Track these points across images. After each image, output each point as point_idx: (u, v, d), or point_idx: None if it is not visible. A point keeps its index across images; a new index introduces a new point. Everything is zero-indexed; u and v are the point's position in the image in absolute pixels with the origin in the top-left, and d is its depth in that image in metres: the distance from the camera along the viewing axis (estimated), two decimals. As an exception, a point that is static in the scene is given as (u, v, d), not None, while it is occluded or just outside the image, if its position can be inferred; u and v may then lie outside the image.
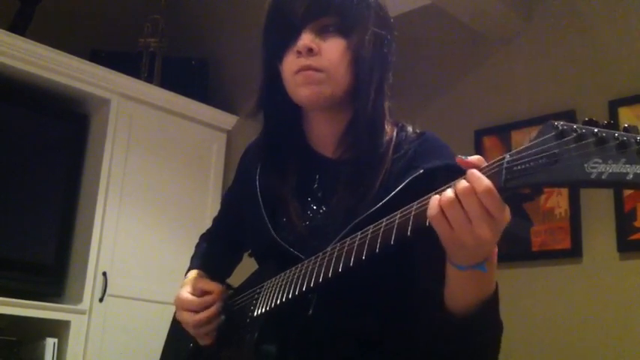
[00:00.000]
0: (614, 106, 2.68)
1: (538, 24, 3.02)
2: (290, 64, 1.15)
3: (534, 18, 3.03)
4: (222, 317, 1.24)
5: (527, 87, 2.98)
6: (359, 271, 0.96)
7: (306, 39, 1.13)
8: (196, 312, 1.24)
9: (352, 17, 1.15)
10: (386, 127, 1.19)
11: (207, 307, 1.23)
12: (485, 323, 0.95)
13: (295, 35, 1.14)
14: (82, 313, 2.91)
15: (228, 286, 1.36)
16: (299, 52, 1.13)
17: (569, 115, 2.78)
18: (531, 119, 2.88)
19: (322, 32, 1.14)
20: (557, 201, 2.75)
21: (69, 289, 3.03)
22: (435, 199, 0.86)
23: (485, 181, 0.81)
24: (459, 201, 0.82)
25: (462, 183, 0.83)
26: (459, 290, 0.94)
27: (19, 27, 3.08)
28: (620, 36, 2.76)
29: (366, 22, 1.16)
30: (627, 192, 2.56)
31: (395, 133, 1.19)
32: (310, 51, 1.12)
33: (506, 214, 0.83)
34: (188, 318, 1.24)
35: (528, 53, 3.02)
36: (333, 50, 1.14)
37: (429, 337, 1.01)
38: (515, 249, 2.81)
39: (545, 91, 2.92)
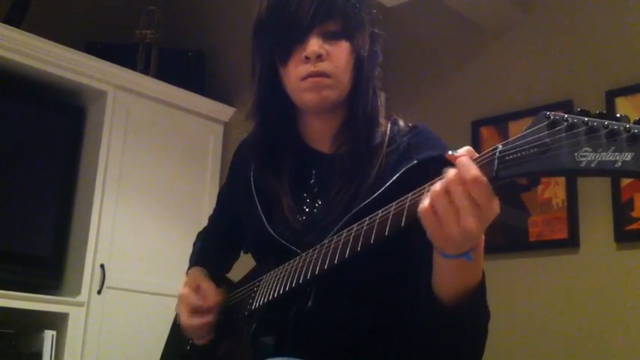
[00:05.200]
0: (611, 97, 2.68)
1: (535, 14, 3.02)
2: (296, 69, 1.15)
3: (531, 9, 3.03)
4: (218, 320, 1.25)
5: (524, 77, 2.98)
6: (356, 262, 0.97)
7: (314, 45, 1.13)
8: (192, 313, 1.25)
9: (355, 20, 1.16)
10: (380, 120, 1.21)
11: (201, 312, 1.24)
12: (471, 311, 0.96)
13: (301, 40, 1.14)
14: (80, 305, 2.91)
15: (228, 281, 1.37)
16: (307, 58, 1.13)
17: (567, 106, 2.78)
18: (529, 110, 2.88)
19: (328, 36, 1.15)
20: (554, 191, 2.75)
21: (67, 282, 3.03)
22: (425, 193, 0.87)
23: (473, 169, 0.81)
24: (447, 191, 0.83)
25: (452, 171, 0.84)
26: (446, 278, 0.95)
27: (14, 19, 3.07)
28: (616, 26, 2.76)
29: (365, 23, 1.18)
30: (624, 182, 2.56)
31: (388, 127, 1.21)
32: (319, 57, 1.13)
33: (495, 205, 0.83)
34: (183, 318, 1.26)
35: (525, 44, 3.01)
36: (340, 55, 1.15)
37: (419, 324, 1.02)
38: (513, 239, 2.81)
39: (542, 82, 2.92)
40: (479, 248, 0.91)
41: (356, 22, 1.16)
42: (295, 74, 1.15)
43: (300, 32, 1.14)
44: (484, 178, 0.80)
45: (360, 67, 1.17)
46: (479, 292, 0.96)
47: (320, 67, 1.13)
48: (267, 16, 1.19)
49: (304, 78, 1.14)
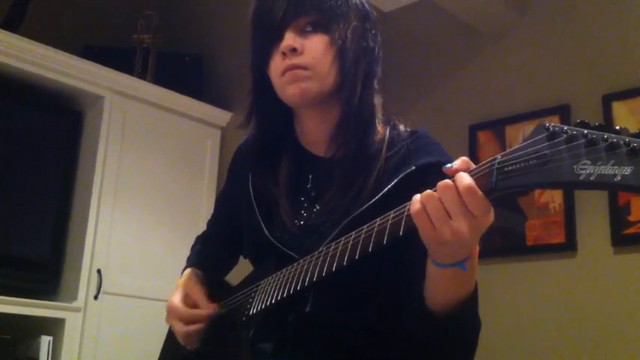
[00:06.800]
0: (608, 101, 2.68)
1: (532, 19, 3.02)
2: (276, 66, 1.17)
3: (528, 13, 3.03)
4: (217, 326, 1.25)
5: (521, 82, 2.99)
6: (355, 267, 0.97)
7: (288, 39, 1.14)
8: (185, 323, 1.26)
9: (331, 13, 1.16)
10: (378, 125, 1.20)
11: (196, 321, 1.25)
12: (462, 322, 0.97)
13: (278, 38, 1.16)
14: (77, 310, 2.91)
15: (227, 285, 1.36)
16: (283, 54, 1.14)
17: (564, 110, 2.78)
18: (526, 114, 2.89)
19: (304, 31, 1.16)
20: (551, 195, 2.75)
21: (64, 287, 3.02)
22: (417, 195, 0.87)
23: (467, 179, 0.82)
24: (439, 196, 0.84)
25: (446, 180, 0.85)
26: (438, 289, 0.95)
27: (12, 24, 3.06)
28: (613, 30, 2.77)
29: (346, 16, 1.17)
30: (621, 186, 2.57)
31: (387, 132, 1.20)
32: (294, 50, 1.14)
33: (490, 216, 0.84)
34: (177, 328, 1.27)
35: (522, 48, 3.02)
36: (315, 47, 1.15)
37: (410, 331, 1.03)
38: (510, 243, 2.81)
39: (539, 86, 2.92)
40: (473, 258, 0.91)
41: (333, 15, 1.16)
42: (276, 71, 1.17)
43: (276, 31, 1.16)
44: (477, 190, 0.81)
45: (342, 59, 1.16)
46: (470, 302, 0.96)
47: (296, 60, 1.14)
48: (252, 20, 1.22)
49: (283, 73, 1.15)
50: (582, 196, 2.68)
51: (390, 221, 0.92)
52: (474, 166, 0.84)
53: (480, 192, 0.81)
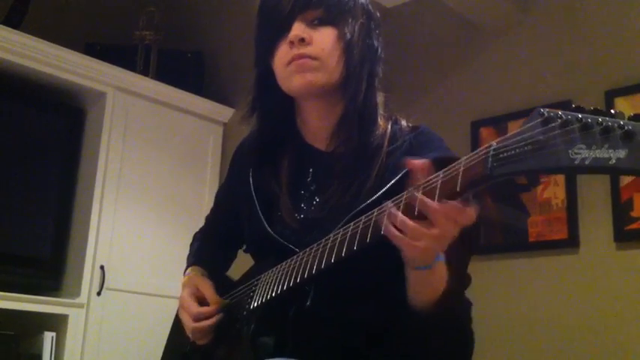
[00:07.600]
0: (610, 96, 2.67)
1: (534, 15, 3.01)
2: (282, 55, 1.16)
3: (531, 9, 3.03)
4: (219, 321, 1.25)
5: (523, 78, 2.98)
6: (355, 261, 0.97)
7: (297, 29, 1.14)
8: (195, 320, 1.26)
9: (339, 8, 1.17)
10: (379, 120, 1.20)
11: (205, 317, 1.25)
12: (451, 310, 0.99)
13: (285, 29, 1.16)
14: (80, 306, 2.91)
15: (228, 280, 1.36)
16: (291, 43, 1.14)
17: (566, 106, 2.76)
18: (528, 110, 2.84)
19: (312, 23, 1.16)
20: (554, 191, 2.75)
21: (67, 283, 3.03)
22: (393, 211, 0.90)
23: (433, 205, 0.86)
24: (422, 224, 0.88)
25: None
26: (419, 288, 0.98)
27: (13, 20, 3.07)
28: (616, 26, 2.76)
29: (353, 12, 1.18)
30: (624, 182, 2.56)
31: (389, 127, 1.20)
32: (302, 40, 1.14)
33: (470, 212, 0.86)
34: (187, 323, 1.27)
35: (525, 44, 3.01)
36: (325, 39, 1.15)
37: (407, 329, 1.04)
38: (512, 240, 2.80)
39: (541, 82, 2.91)
40: (440, 261, 0.96)
41: (341, 10, 1.16)
42: (281, 60, 1.17)
43: (283, 22, 1.16)
44: (458, 208, 0.84)
45: (349, 55, 1.16)
46: (454, 286, 0.98)
47: (304, 50, 1.14)
48: (259, 10, 1.22)
49: (289, 62, 1.15)
50: (585, 192, 2.68)
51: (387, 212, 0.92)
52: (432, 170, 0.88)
53: (447, 206, 0.84)
